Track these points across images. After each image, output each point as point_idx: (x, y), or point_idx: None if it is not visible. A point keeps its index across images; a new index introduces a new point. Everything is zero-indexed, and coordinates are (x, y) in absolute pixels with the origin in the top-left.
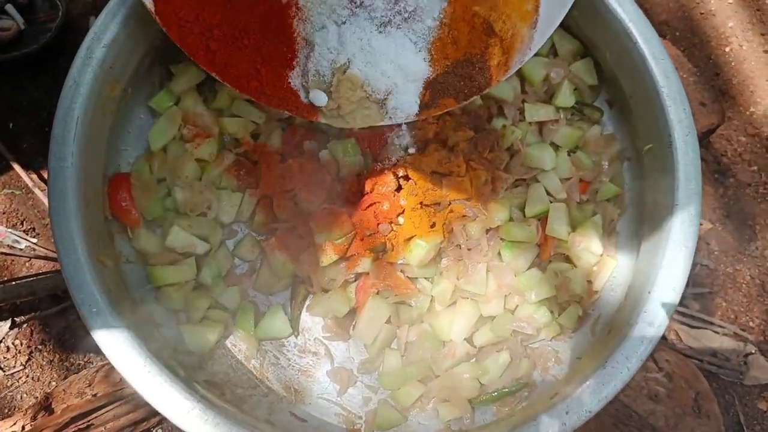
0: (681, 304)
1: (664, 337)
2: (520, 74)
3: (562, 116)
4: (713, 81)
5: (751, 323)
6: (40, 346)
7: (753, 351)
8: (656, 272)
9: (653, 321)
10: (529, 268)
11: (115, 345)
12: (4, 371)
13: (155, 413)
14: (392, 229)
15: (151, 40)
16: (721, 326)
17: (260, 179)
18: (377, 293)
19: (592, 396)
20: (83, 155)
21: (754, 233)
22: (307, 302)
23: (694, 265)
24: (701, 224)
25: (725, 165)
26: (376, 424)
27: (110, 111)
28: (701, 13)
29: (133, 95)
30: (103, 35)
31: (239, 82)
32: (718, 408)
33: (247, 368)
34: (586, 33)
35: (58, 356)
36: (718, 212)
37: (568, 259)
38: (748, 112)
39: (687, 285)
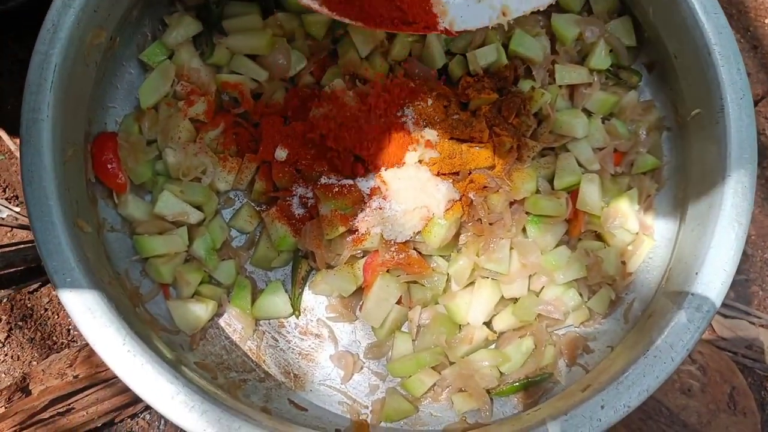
0: None
1: None
2: (550, 32)
3: (596, 79)
4: (752, 52)
5: None
6: (20, 323)
7: None
8: (705, 251)
9: (701, 305)
10: (557, 246)
11: (91, 320)
12: None
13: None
14: None
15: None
16: (757, 316)
17: (260, 143)
18: (387, 271)
19: (631, 389)
20: (61, 107)
21: None
22: (310, 279)
23: None
24: None
25: (763, 143)
26: (384, 415)
27: (94, 61)
28: None
29: (122, 46)
30: None
31: None
32: (755, 404)
33: (242, 350)
34: None
35: (39, 334)
36: (759, 193)
37: (599, 237)
38: None
39: None
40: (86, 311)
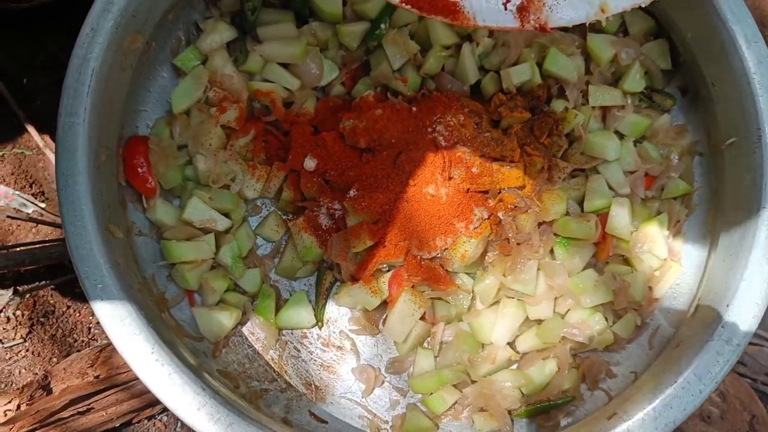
0: None
1: None
2: (585, 52)
3: (629, 102)
4: None
5: None
6: (42, 319)
7: None
8: (737, 284)
9: (731, 338)
10: (584, 269)
11: (121, 327)
12: (3, 343)
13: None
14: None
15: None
16: None
17: (290, 152)
18: (412, 286)
19: (657, 420)
20: (97, 111)
21: None
22: (334, 291)
23: None
24: None
25: None
26: (404, 431)
27: (130, 65)
28: None
29: (157, 50)
30: None
31: None
32: None
33: (264, 359)
34: (664, 9)
35: (60, 331)
36: None
37: (627, 262)
38: None
39: None
40: (116, 318)
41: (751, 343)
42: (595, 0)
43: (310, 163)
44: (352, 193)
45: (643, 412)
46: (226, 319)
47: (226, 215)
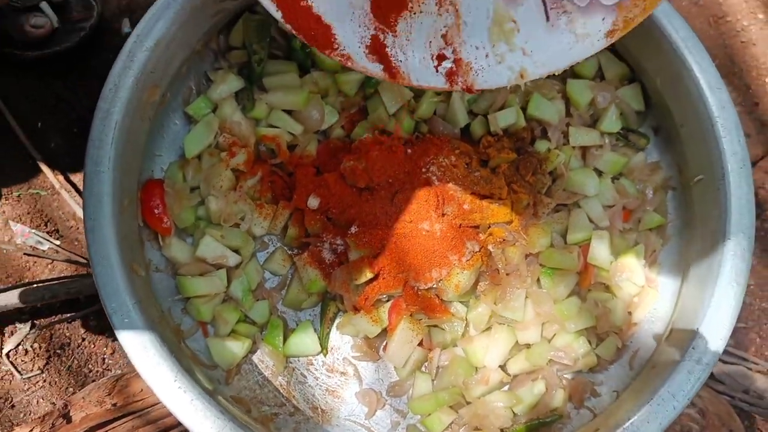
0: None
1: None
2: (565, 97)
3: (606, 141)
4: (753, 110)
5: None
6: (58, 351)
7: None
8: (705, 308)
9: (701, 358)
10: (568, 296)
11: (146, 357)
12: (21, 374)
13: (174, 426)
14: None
15: (192, 44)
16: (754, 362)
17: (294, 191)
18: (410, 315)
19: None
20: (120, 160)
21: None
22: (337, 320)
23: None
24: None
25: (762, 198)
26: None
27: (148, 116)
28: (741, 42)
29: (170, 100)
30: (145, 39)
31: None
32: None
33: (273, 385)
34: (636, 57)
35: (76, 362)
36: (756, 246)
37: (608, 289)
38: None
39: None
40: (141, 349)
41: (729, 363)
42: (515, 67)
43: (313, 202)
44: (353, 229)
45: (623, 427)
46: (237, 348)
47: (237, 251)
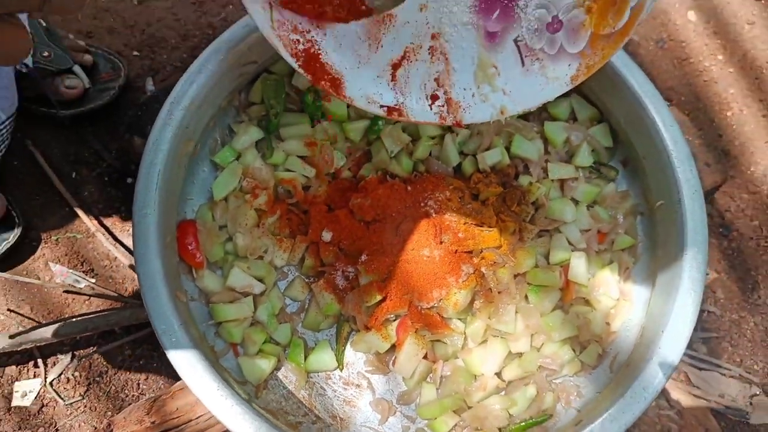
0: (690, 347)
1: (673, 378)
2: (543, 137)
3: (581, 174)
4: (716, 142)
5: (755, 366)
6: (97, 378)
7: (758, 392)
8: (669, 313)
9: (666, 356)
10: (553, 310)
11: (192, 371)
12: (64, 401)
13: None
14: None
15: (219, 102)
16: (727, 369)
17: (309, 227)
18: (415, 331)
19: (613, 422)
20: (162, 204)
21: (757, 283)
22: (351, 339)
23: (701, 311)
24: (707, 274)
25: (729, 220)
26: None
27: (183, 165)
28: (704, 81)
29: (200, 151)
30: (181, 100)
31: None
32: None
33: (297, 398)
34: (602, 101)
35: (113, 388)
36: (723, 263)
37: (587, 303)
38: (749, 171)
39: (695, 330)
40: (188, 365)
41: (704, 369)
42: (497, 105)
43: (326, 236)
44: (363, 257)
45: (602, 417)
46: (265, 365)
47: (261, 281)
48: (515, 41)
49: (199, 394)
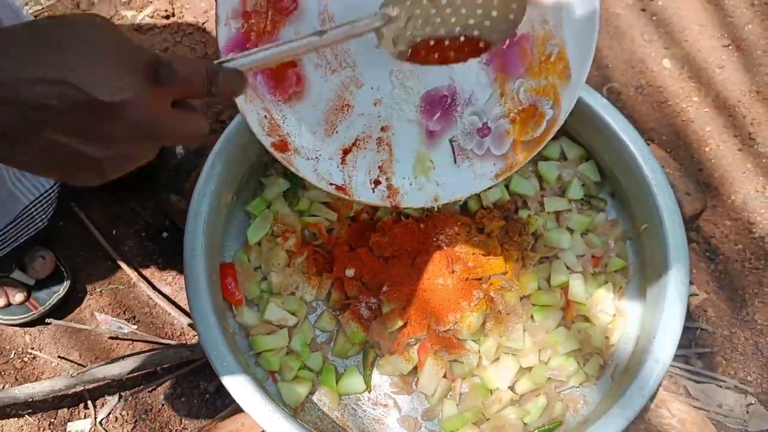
0: (687, 362)
1: (674, 391)
2: (538, 175)
3: (573, 206)
4: (697, 175)
5: (749, 377)
6: (143, 416)
7: (753, 402)
8: (658, 322)
9: (659, 358)
10: (557, 327)
11: (243, 390)
12: None
13: None
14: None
15: (251, 158)
16: (723, 380)
17: (334, 265)
18: (434, 353)
19: (616, 419)
20: (207, 247)
21: (744, 301)
22: (377, 363)
23: (695, 329)
24: (698, 295)
25: (714, 245)
26: None
27: (223, 214)
28: (682, 120)
29: (235, 202)
30: (221, 156)
31: None
32: None
33: (330, 418)
34: (588, 141)
35: (158, 424)
36: (712, 284)
37: (587, 319)
38: (729, 200)
39: (690, 346)
40: (240, 386)
41: (702, 382)
42: (431, 194)
43: (349, 272)
44: (384, 288)
45: (605, 415)
46: (301, 389)
47: (294, 314)
48: (450, 141)
49: (250, 410)
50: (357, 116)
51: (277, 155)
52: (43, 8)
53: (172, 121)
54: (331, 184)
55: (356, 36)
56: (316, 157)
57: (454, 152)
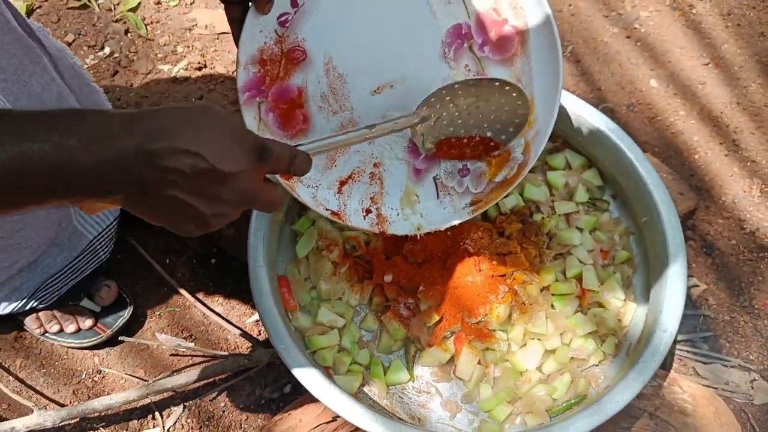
0: (694, 346)
1: (683, 372)
2: (547, 183)
3: (581, 209)
4: (689, 180)
5: (751, 356)
6: (206, 422)
7: (756, 378)
8: (663, 299)
9: (667, 328)
10: (574, 313)
11: (308, 377)
12: None
13: None
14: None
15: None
16: (728, 360)
17: (374, 272)
18: (469, 342)
19: (633, 382)
20: (266, 259)
21: (741, 289)
22: (418, 355)
23: (698, 316)
24: (699, 286)
25: (710, 241)
26: None
27: (275, 231)
28: (672, 132)
29: (285, 222)
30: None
31: None
32: (735, 419)
33: (381, 405)
34: (589, 151)
35: (221, 429)
36: (711, 276)
37: (601, 305)
38: (720, 201)
39: (696, 331)
40: (306, 373)
41: (708, 363)
42: (414, 223)
43: (388, 278)
44: (420, 289)
45: (624, 380)
46: (354, 381)
47: (342, 316)
48: (434, 179)
49: (318, 393)
50: (353, 153)
51: (282, 182)
52: (87, 67)
53: (263, 191)
54: (327, 209)
55: (397, 131)
56: (316, 186)
57: (437, 189)
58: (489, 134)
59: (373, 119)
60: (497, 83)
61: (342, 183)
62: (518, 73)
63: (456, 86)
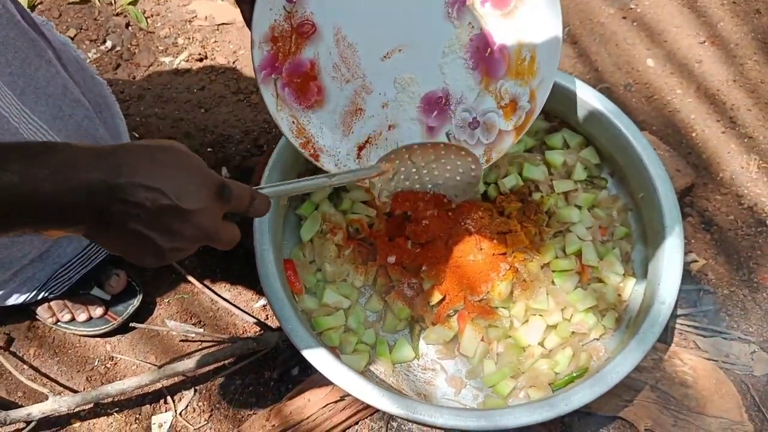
0: (694, 320)
1: (684, 346)
2: (546, 162)
3: (579, 187)
4: (687, 157)
5: (750, 329)
6: (217, 405)
7: (756, 350)
8: (661, 271)
9: (665, 300)
10: (575, 288)
11: (316, 356)
12: (193, 426)
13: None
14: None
15: (298, 169)
16: (728, 333)
17: (377, 254)
18: (472, 320)
19: (634, 352)
20: (272, 243)
21: (740, 263)
22: (422, 334)
23: (698, 291)
24: (698, 261)
25: (708, 217)
26: (486, 407)
27: (281, 215)
28: (669, 111)
29: (289, 207)
30: (277, 164)
31: None
32: (736, 390)
33: (387, 383)
34: (587, 130)
35: (232, 411)
36: (710, 251)
37: (600, 280)
38: (718, 177)
39: (696, 306)
40: (314, 353)
41: (709, 336)
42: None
43: (391, 259)
44: (423, 268)
45: (624, 351)
46: (361, 360)
47: (347, 297)
48: (447, 134)
49: (326, 371)
50: (369, 118)
51: (305, 153)
52: (90, 60)
53: (222, 229)
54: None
55: (356, 181)
56: (336, 154)
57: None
58: (441, 191)
59: (384, 84)
60: (454, 148)
61: (360, 148)
62: (519, 25)
63: (415, 146)
